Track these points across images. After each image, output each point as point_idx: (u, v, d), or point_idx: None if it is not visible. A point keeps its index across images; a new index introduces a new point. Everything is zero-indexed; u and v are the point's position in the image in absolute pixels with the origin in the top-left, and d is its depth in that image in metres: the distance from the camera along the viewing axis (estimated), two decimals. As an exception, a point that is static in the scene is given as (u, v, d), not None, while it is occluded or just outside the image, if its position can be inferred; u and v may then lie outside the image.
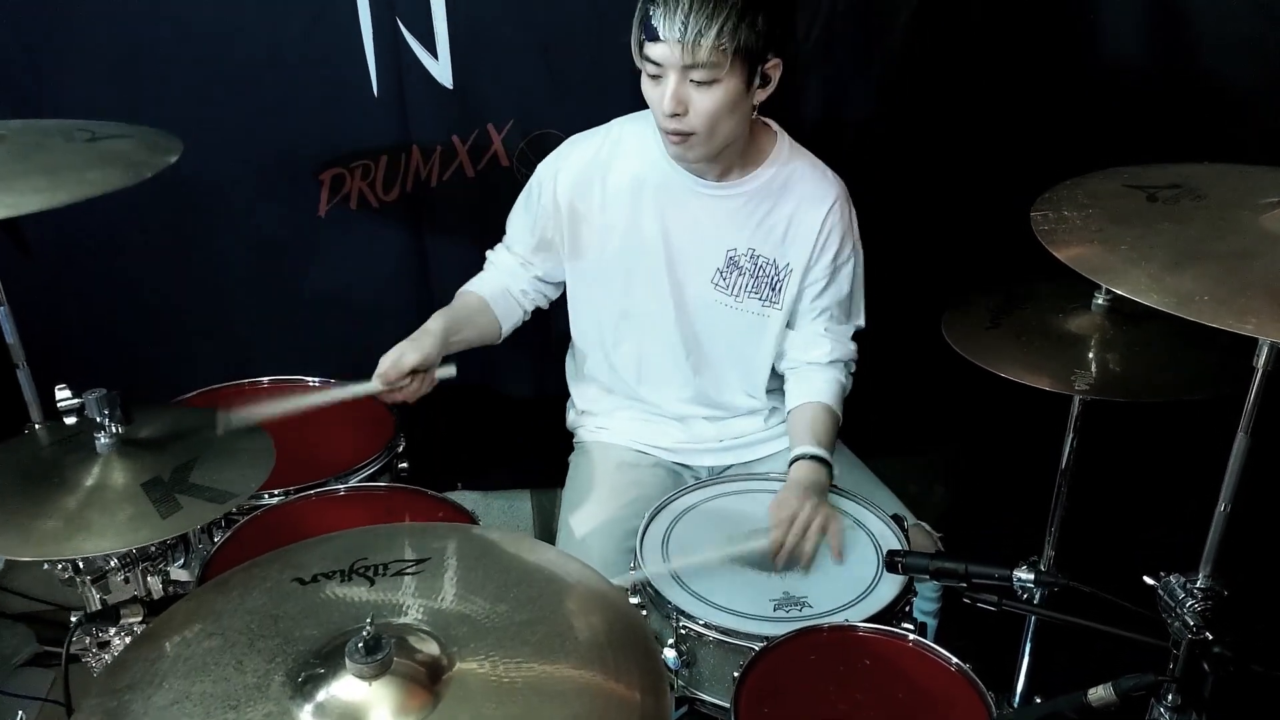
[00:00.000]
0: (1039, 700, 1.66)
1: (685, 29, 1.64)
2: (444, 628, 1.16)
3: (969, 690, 1.41)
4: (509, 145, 2.26)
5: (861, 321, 2.05)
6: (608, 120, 1.99)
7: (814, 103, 2.27)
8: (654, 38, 1.67)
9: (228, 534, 1.74)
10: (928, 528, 1.93)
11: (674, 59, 1.67)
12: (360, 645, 1.06)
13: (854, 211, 1.96)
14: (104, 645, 1.62)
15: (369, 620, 1.09)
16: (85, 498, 1.35)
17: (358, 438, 2.04)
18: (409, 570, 1.26)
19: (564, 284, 2.07)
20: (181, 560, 1.79)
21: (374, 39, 2.13)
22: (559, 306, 2.13)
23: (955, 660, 1.45)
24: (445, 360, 1.90)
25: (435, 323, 1.92)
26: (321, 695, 1.07)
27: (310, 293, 2.38)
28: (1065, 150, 2.09)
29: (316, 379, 2.18)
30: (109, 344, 2.35)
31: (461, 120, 2.24)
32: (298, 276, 2.37)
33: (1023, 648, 1.89)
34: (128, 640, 1.58)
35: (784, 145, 1.92)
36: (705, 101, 1.71)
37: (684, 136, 1.75)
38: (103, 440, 1.38)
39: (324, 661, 1.10)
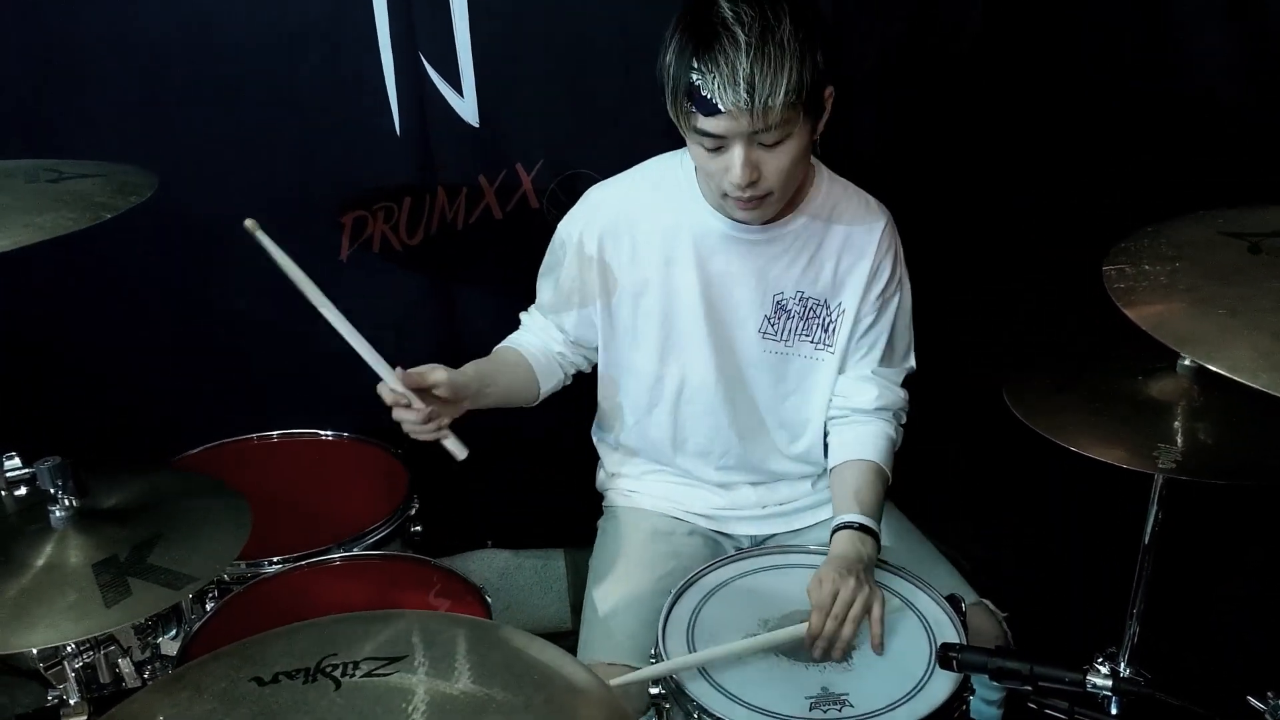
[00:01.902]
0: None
1: (752, 95, 1.46)
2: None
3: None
4: (539, 186, 2.15)
5: (912, 364, 1.87)
6: (640, 160, 1.85)
7: (866, 135, 2.12)
8: (711, 111, 1.49)
9: (217, 606, 1.61)
10: (991, 606, 1.74)
11: (740, 128, 1.50)
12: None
13: (900, 242, 1.79)
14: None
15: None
16: (31, 581, 1.22)
17: (372, 493, 1.93)
18: (380, 671, 1.11)
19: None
20: (174, 631, 1.67)
21: (396, 75, 2.03)
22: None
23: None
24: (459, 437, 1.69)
25: (470, 367, 1.77)
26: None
27: (329, 341, 2.26)
28: (1144, 191, 1.90)
29: (330, 433, 2.05)
30: (116, 394, 2.25)
31: (488, 160, 2.13)
32: (317, 324, 2.25)
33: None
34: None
35: (823, 176, 1.77)
36: (779, 161, 1.55)
37: (759, 200, 1.59)
38: (57, 514, 1.25)
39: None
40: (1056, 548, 2.18)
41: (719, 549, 1.89)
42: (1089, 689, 1.30)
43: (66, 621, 1.17)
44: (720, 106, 1.48)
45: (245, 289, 2.21)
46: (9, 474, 1.24)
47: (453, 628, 1.21)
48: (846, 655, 1.54)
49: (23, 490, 1.25)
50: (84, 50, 1.99)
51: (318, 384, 2.26)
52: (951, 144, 2.12)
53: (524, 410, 2.25)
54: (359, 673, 1.11)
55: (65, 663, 1.31)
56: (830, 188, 1.76)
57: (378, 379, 2.12)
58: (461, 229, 2.17)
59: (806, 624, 1.54)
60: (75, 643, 1.30)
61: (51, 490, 1.24)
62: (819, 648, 1.53)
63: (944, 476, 2.14)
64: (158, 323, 2.24)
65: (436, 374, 1.65)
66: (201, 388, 2.27)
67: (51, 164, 1.43)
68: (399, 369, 1.65)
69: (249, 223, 1.53)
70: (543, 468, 2.40)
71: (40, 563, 1.24)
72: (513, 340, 1.92)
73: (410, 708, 1.06)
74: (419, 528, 1.91)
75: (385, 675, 1.11)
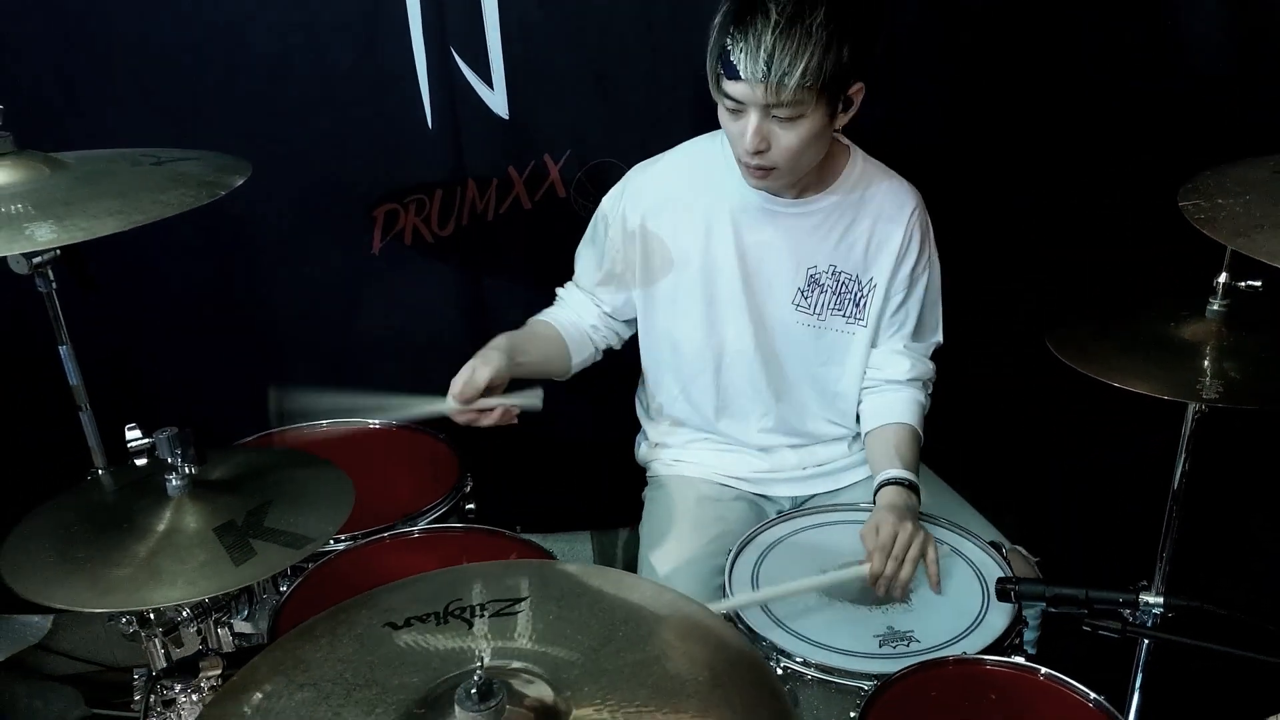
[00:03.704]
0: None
1: (769, 69, 1.55)
2: (553, 670, 1.07)
3: (1110, 725, 1.31)
4: (566, 176, 2.20)
5: (939, 338, 1.97)
6: (666, 148, 1.93)
7: (888, 116, 2.20)
8: (734, 75, 1.59)
9: (297, 581, 1.65)
10: (1024, 552, 1.84)
11: (755, 98, 1.59)
12: (472, 691, 0.98)
13: (930, 221, 1.89)
14: (169, 704, 1.54)
15: (479, 664, 1.00)
16: (156, 544, 1.27)
17: (417, 480, 1.97)
18: (507, 611, 1.18)
19: (635, 320, 1.99)
20: (245, 612, 1.71)
21: (428, 70, 2.08)
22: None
23: (1094, 695, 1.35)
24: (529, 386, 1.76)
25: (500, 340, 1.82)
26: (429, 747, 0.98)
27: (364, 333, 2.32)
28: (1157, 157, 2.00)
29: (376, 421, 2.10)
30: (156, 388, 2.28)
31: (518, 151, 2.18)
32: (351, 316, 2.31)
33: (1134, 678, 1.76)
34: (194, 697, 1.50)
35: (857, 157, 1.86)
36: (789, 138, 1.63)
37: (766, 171, 1.68)
38: (174, 483, 1.31)
39: (430, 710, 1.01)
40: (1083, 494, 2.29)
41: (762, 512, 1.98)
42: (1142, 608, 1.40)
43: (202, 579, 1.22)
44: (741, 73, 1.57)
45: (281, 282, 2.26)
46: (131, 444, 1.28)
47: (563, 570, 1.28)
48: (906, 596, 1.63)
49: (142, 461, 1.29)
50: (118, 45, 2.02)
51: (354, 374, 2.32)
52: (963, 128, 2.20)
53: (549, 398, 2.32)
54: (487, 613, 1.18)
55: (181, 628, 1.36)
56: (865, 167, 1.85)
57: (415, 369, 2.20)
58: (492, 220, 2.23)
59: (866, 566, 1.63)
60: (190, 608, 1.35)
61: (169, 459, 1.29)
62: (881, 586, 1.62)
63: (974, 434, 2.22)
64: (192, 315, 2.27)
65: (481, 374, 1.71)
66: (241, 383, 2.29)
67: (144, 151, 1.48)
68: (451, 399, 1.70)
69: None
70: (569, 453, 2.45)
71: (161, 528, 1.29)
72: (546, 314, 2.00)
73: (542, 636, 1.13)
74: (473, 506, 1.96)
75: (514, 613, 1.18)
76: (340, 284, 2.26)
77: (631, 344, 2.04)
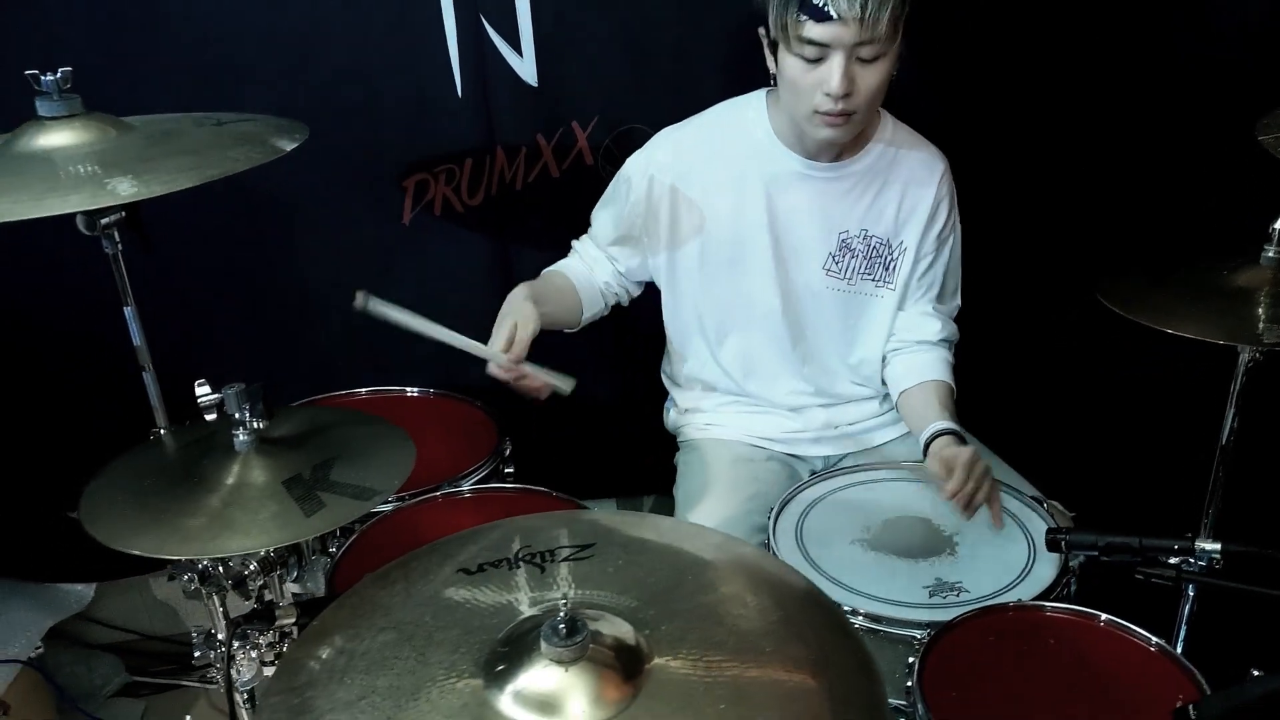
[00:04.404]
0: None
1: (865, 5, 1.54)
2: (629, 613, 1.09)
3: (1172, 669, 1.33)
4: (593, 143, 2.21)
5: (959, 302, 1.99)
6: (692, 113, 1.94)
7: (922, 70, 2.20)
8: (823, 17, 1.57)
9: (349, 540, 1.67)
10: (1060, 507, 1.86)
11: (845, 38, 1.58)
12: (560, 627, 0.99)
13: (954, 186, 1.91)
14: (230, 660, 1.55)
15: (564, 601, 1.02)
16: (227, 496, 1.29)
17: (453, 446, 1.99)
18: (576, 556, 1.19)
19: (645, 282, 2.01)
20: (295, 573, 1.72)
21: (458, 39, 2.08)
22: (640, 309, 2.07)
23: (1155, 639, 1.37)
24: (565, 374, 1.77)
25: (525, 290, 1.83)
26: (517, 682, 0.99)
27: (394, 302, 2.31)
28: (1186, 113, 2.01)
29: (415, 389, 2.12)
30: (194, 352, 2.28)
31: (546, 119, 2.18)
32: (382, 286, 2.29)
33: (1178, 627, 1.79)
34: (253, 654, 1.51)
35: (888, 120, 1.87)
36: (872, 77, 1.64)
37: (847, 116, 1.67)
38: (241, 437, 1.32)
39: (514, 648, 1.03)
40: (1119, 452, 2.31)
41: (795, 473, 1.99)
42: (1198, 555, 1.42)
43: (275, 529, 1.24)
44: (832, 13, 1.56)
45: (311, 256, 2.27)
46: (201, 400, 1.29)
47: (628, 517, 1.30)
48: (958, 543, 1.66)
49: (212, 416, 1.30)
50: (151, 16, 2.02)
51: (386, 342, 2.32)
52: (1010, 70, 2.18)
53: (576, 370, 2.33)
54: (557, 559, 1.20)
55: (249, 580, 1.38)
56: (895, 132, 1.87)
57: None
58: (520, 188, 2.23)
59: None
60: (258, 561, 1.37)
61: (237, 415, 1.30)
62: (962, 499, 1.65)
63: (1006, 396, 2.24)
64: (223, 288, 2.28)
65: (527, 328, 1.73)
66: (272, 353, 2.31)
67: (203, 115, 1.49)
68: (507, 351, 1.71)
69: (359, 298, 1.61)
70: (593, 422, 2.46)
71: (230, 481, 1.31)
72: (561, 266, 2.02)
73: (613, 582, 1.15)
74: (511, 469, 1.98)
75: (585, 558, 1.20)
76: (370, 255, 2.27)
77: (654, 314, 2.05)
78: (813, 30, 1.59)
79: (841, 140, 1.76)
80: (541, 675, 0.99)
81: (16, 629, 2.26)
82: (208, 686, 2.53)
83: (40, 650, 2.25)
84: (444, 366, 2.30)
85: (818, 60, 1.63)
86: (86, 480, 1.35)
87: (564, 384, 1.73)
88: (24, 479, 2.34)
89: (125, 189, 1.18)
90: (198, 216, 2.13)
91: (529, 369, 1.71)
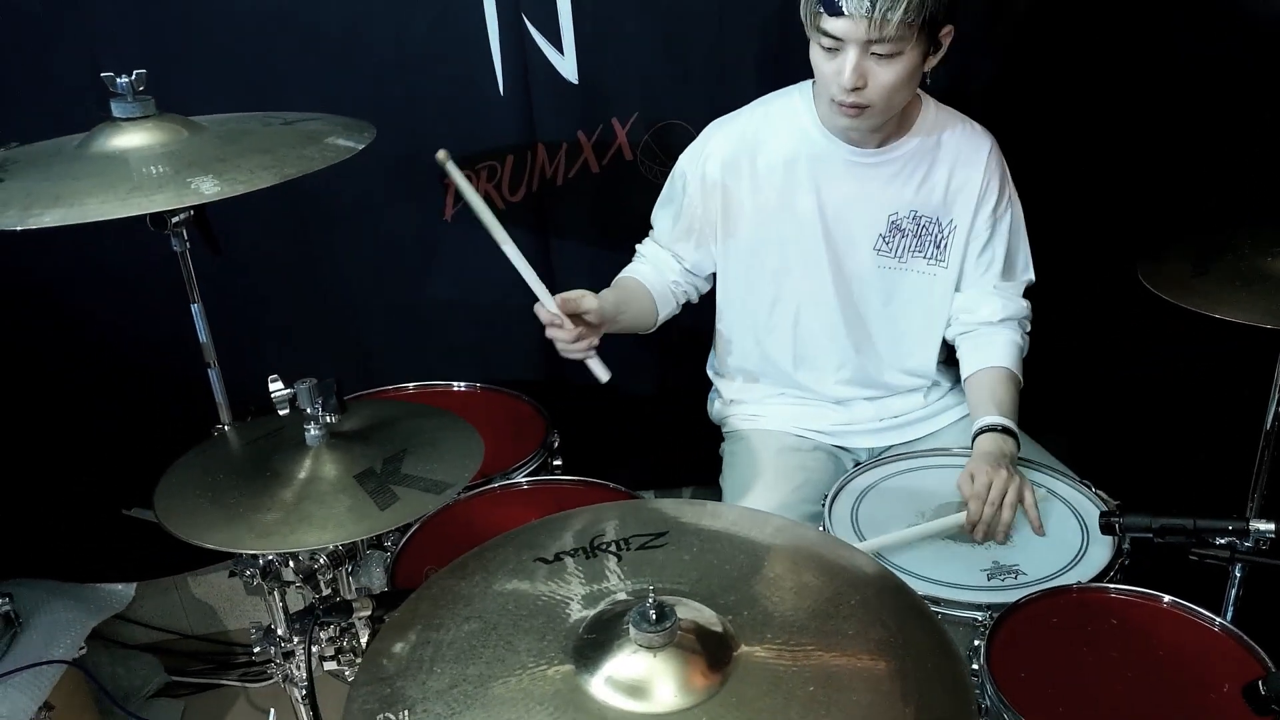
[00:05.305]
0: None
1: (873, 4, 1.57)
2: (709, 599, 1.11)
3: (1238, 649, 1.34)
4: (633, 139, 2.22)
5: (1031, 275, 1.98)
6: (732, 109, 1.95)
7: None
8: (835, 12, 1.60)
9: (408, 534, 1.69)
10: (1105, 496, 1.86)
11: (857, 34, 1.61)
12: (649, 612, 1.01)
13: (1005, 162, 1.91)
14: (289, 656, 1.57)
15: (651, 587, 1.04)
16: (300, 491, 1.31)
17: (511, 433, 2.01)
18: (652, 544, 1.21)
19: (713, 276, 2.02)
20: (350, 567, 1.74)
21: (500, 37, 2.10)
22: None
23: (1220, 620, 1.38)
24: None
25: (609, 293, 1.89)
26: (607, 668, 1.01)
27: (435, 298, 2.34)
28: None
29: (462, 384, 2.13)
30: (242, 347, 2.30)
31: (586, 115, 2.20)
32: (423, 282, 2.33)
33: (1226, 606, 1.80)
34: (315, 650, 1.53)
35: (930, 104, 1.88)
36: (886, 75, 1.66)
37: (860, 109, 1.70)
38: (313, 432, 1.34)
39: (601, 634, 1.05)
40: (1158, 441, 2.32)
41: (841, 463, 2.01)
42: (1253, 535, 1.43)
43: (351, 523, 1.26)
44: (844, 9, 1.59)
45: (353, 252, 2.28)
46: (275, 395, 1.31)
47: (698, 506, 1.31)
48: (1007, 537, 1.66)
49: (285, 410, 1.32)
50: (192, 16, 2.03)
51: (426, 338, 2.35)
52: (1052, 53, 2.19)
53: (614, 364, 2.35)
54: (631, 547, 1.21)
55: (319, 574, 1.39)
56: (938, 114, 1.88)
57: (486, 334, 2.21)
58: (561, 184, 2.25)
59: (965, 512, 1.66)
60: (326, 555, 1.39)
61: (310, 410, 1.32)
62: (979, 531, 1.65)
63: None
64: (266, 285, 2.29)
65: (588, 300, 1.77)
66: (312, 349, 2.33)
67: (268, 115, 1.50)
68: (558, 295, 1.74)
69: (441, 154, 1.61)
70: (631, 414, 2.48)
71: (302, 476, 1.33)
72: (631, 270, 2.03)
73: (689, 571, 1.16)
74: (560, 461, 2.00)
75: (658, 546, 1.21)
76: (412, 251, 2.28)
77: (694, 308, 2.07)
78: (828, 23, 1.63)
79: (858, 130, 1.78)
80: (631, 661, 1.01)
81: (61, 630, 2.26)
82: (247, 686, 2.56)
83: (84, 651, 2.25)
84: (480, 359, 2.33)
85: (834, 51, 1.66)
86: (145, 478, 1.37)
87: (603, 371, 1.76)
88: (64, 479, 2.35)
89: (208, 188, 1.20)
90: (244, 215, 2.15)
91: (579, 333, 1.75)
